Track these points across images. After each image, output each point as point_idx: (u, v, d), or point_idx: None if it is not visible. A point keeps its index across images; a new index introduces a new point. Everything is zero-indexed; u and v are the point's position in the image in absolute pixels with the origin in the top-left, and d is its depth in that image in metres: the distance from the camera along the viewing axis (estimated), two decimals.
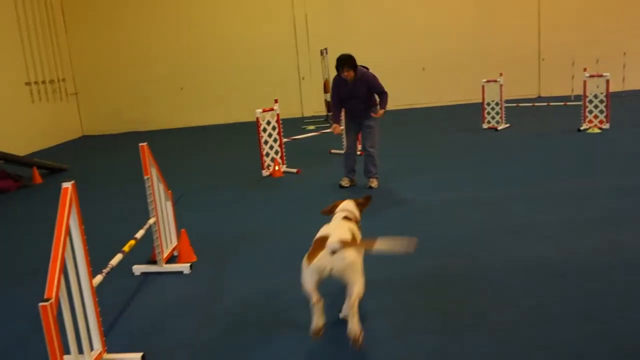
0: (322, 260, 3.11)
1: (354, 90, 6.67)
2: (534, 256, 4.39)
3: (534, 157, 8.14)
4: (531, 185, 6.53)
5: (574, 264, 4.16)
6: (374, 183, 6.97)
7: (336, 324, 3.48)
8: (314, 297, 3.14)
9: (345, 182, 7.15)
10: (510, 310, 3.54)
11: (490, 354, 3.08)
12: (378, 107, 6.75)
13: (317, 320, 3.15)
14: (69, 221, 2.86)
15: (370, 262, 4.42)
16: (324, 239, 3.20)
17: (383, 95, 6.71)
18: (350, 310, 3.07)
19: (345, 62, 6.53)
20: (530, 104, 12.48)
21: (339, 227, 3.49)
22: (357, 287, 3.10)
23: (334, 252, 3.08)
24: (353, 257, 3.13)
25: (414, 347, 3.20)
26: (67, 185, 2.86)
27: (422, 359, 3.09)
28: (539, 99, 15.09)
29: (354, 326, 3.04)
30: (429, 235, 4.97)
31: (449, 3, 15.56)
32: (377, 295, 3.84)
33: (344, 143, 7.28)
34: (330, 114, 13.58)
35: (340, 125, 7.14)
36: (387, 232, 5.18)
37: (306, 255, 3.23)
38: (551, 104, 12.24)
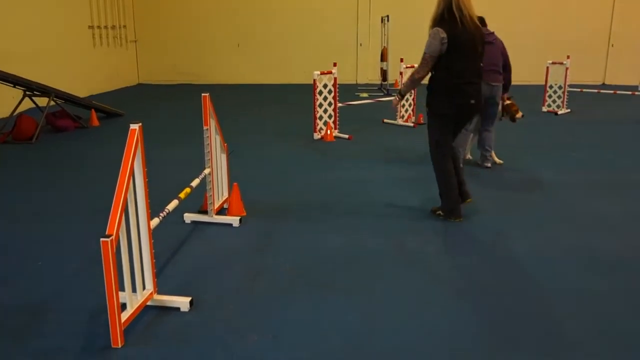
0: None
1: None
2: (591, 246, 4.26)
3: (593, 145, 7.84)
4: (590, 173, 6.32)
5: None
6: None
7: (375, 306, 3.49)
8: None
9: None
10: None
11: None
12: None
13: None
14: (134, 163, 2.90)
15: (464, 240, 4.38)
16: None
17: None
18: None
19: None
20: (595, 91, 11.96)
21: None
22: None
23: None
24: None
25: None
26: (135, 126, 2.88)
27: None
28: (604, 86, 14.50)
29: None
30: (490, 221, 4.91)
31: None
32: (455, 257, 3.82)
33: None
34: (384, 82, 13.45)
35: None
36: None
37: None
38: (618, 92, 11.71)
